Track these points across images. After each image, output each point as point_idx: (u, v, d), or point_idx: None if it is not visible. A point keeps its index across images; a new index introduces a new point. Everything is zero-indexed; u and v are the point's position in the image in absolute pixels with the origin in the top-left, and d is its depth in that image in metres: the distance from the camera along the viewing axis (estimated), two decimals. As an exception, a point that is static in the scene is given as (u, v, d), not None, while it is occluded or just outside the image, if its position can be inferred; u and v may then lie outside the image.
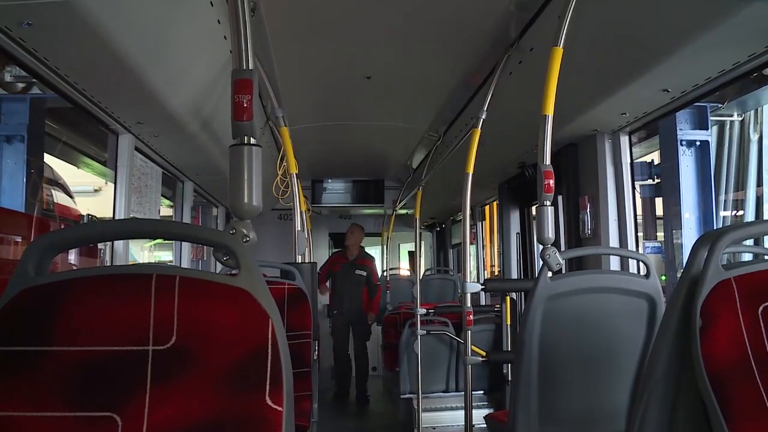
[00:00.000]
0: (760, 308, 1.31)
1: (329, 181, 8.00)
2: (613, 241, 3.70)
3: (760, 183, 4.49)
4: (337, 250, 8.57)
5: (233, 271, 1.29)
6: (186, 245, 5.48)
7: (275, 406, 1.17)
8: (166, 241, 9.39)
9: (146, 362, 1.18)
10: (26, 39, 2.14)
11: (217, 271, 2.20)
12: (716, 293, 1.32)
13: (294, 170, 4.04)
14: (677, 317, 1.37)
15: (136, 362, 1.18)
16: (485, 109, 3.57)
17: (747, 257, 3.51)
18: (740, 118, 4.52)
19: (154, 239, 8.24)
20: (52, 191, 5.71)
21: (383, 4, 3.00)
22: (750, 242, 2.66)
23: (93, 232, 1.39)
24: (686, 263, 1.40)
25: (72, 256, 4.53)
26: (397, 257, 11.42)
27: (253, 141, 1.59)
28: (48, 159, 5.43)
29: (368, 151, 6.54)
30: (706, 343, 1.28)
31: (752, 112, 4.43)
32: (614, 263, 3.65)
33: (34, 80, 3.87)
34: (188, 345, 1.19)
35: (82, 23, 2.02)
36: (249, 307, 1.22)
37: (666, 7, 2.27)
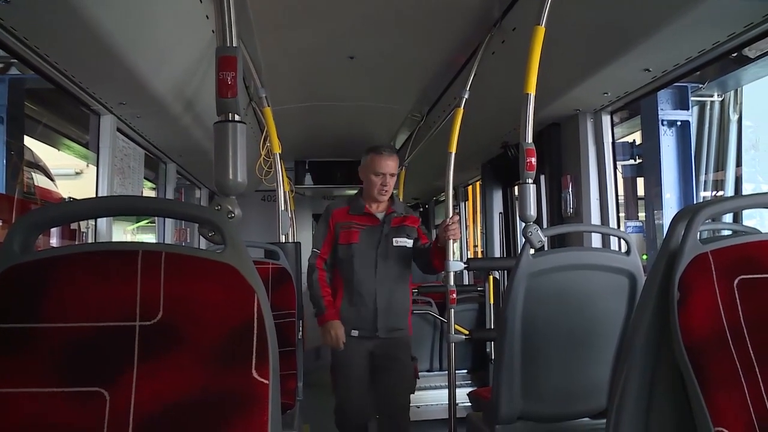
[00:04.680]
0: (736, 281, 1.34)
1: (312, 161, 7.97)
2: (595, 219, 3.74)
3: (739, 163, 4.53)
4: (339, 200, 3.77)
5: (218, 249, 1.30)
6: (169, 227, 5.46)
7: (262, 379, 1.19)
8: (149, 224, 9.32)
9: (133, 338, 1.19)
10: (4, 17, 2.11)
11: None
12: (693, 266, 1.34)
13: (277, 150, 4.03)
14: (656, 290, 1.40)
15: (123, 338, 1.19)
16: (468, 88, 3.58)
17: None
18: (720, 99, 4.55)
19: (140, 216, 8.12)
20: (33, 174, 5.65)
21: (366, -17, 3.00)
22: (729, 219, 2.70)
23: (78, 210, 1.38)
24: (665, 237, 1.43)
25: (54, 240, 4.51)
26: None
27: (237, 118, 1.59)
28: (28, 141, 5.37)
29: (351, 132, 6.52)
30: (684, 315, 1.31)
31: (732, 92, 4.46)
32: (596, 241, 3.70)
33: (13, 60, 3.82)
34: (175, 320, 1.20)
35: (63, 2, 2.00)
36: (235, 282, 1.23)
37: (647, -14, 2.29)
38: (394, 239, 3.49)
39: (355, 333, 3.41)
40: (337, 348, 3.34)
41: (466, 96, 3.59)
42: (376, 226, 3.50)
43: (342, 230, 3.47)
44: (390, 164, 3.48)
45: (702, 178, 4.67)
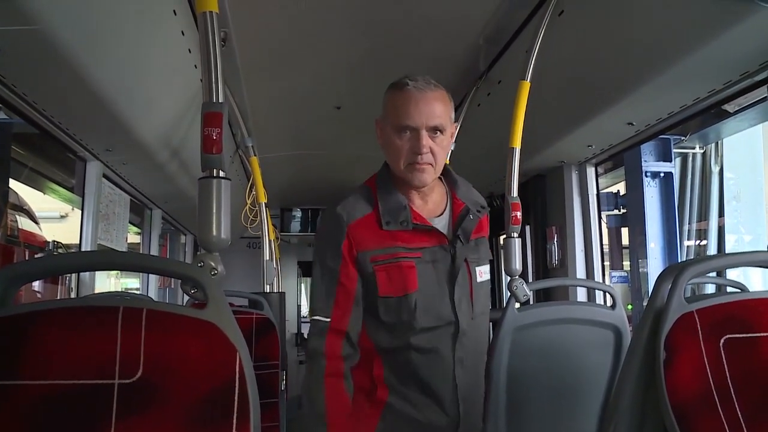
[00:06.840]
0: (722, 340, 1.34)
1: (298, 209, 7.94)
2: (580, 271, 3.74)
3: (721, 213, 4.58)
4: (348, 198, 1.89)
5: (201, 301, 1.28)
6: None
7: None
8: (133, 269, 9.20)
9: (112, 395, 1.17)
10: None
11: (185, 302, 2.17)
12: (679, 326, 1.34)
13: (263, 199, 4.03)
14: (642, 349, 1.39)
15: (101, 396, 1.17)
16: (453, 140, 3.61)
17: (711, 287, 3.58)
18: (702, 151, 4.63)
19: (122, 271, 8.03)
20: (17, 217, 5.61)
21: (353, 35, 3.03)
22: (713, 273, 2.71)
23: (60, 264, 1.37)
24: (650, 296, 1.43)
25: (37, 283, 4.45)
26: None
27: (222, 174, 1.59)
28: (13, 184, 5.35)
29: (337, 180, 6.52)
30: (670, 375, 1.31)
31: (713, 144, 4.54)
32: (581, 293, 3.69)
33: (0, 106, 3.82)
34: (155, 378, 1.18)
35: (53, 51, 2.00)
36: (216, 341, 1.21)
37: (630, 45, 2.34)
38: (477, 269, 1.79)
39: None
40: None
41: (452, 148, 3.62)
42: (444, 247, 1.75)
43: (380, 267, 1.67)
44: (429, 107, 1.78)
45: (686, 227, 4.71)
